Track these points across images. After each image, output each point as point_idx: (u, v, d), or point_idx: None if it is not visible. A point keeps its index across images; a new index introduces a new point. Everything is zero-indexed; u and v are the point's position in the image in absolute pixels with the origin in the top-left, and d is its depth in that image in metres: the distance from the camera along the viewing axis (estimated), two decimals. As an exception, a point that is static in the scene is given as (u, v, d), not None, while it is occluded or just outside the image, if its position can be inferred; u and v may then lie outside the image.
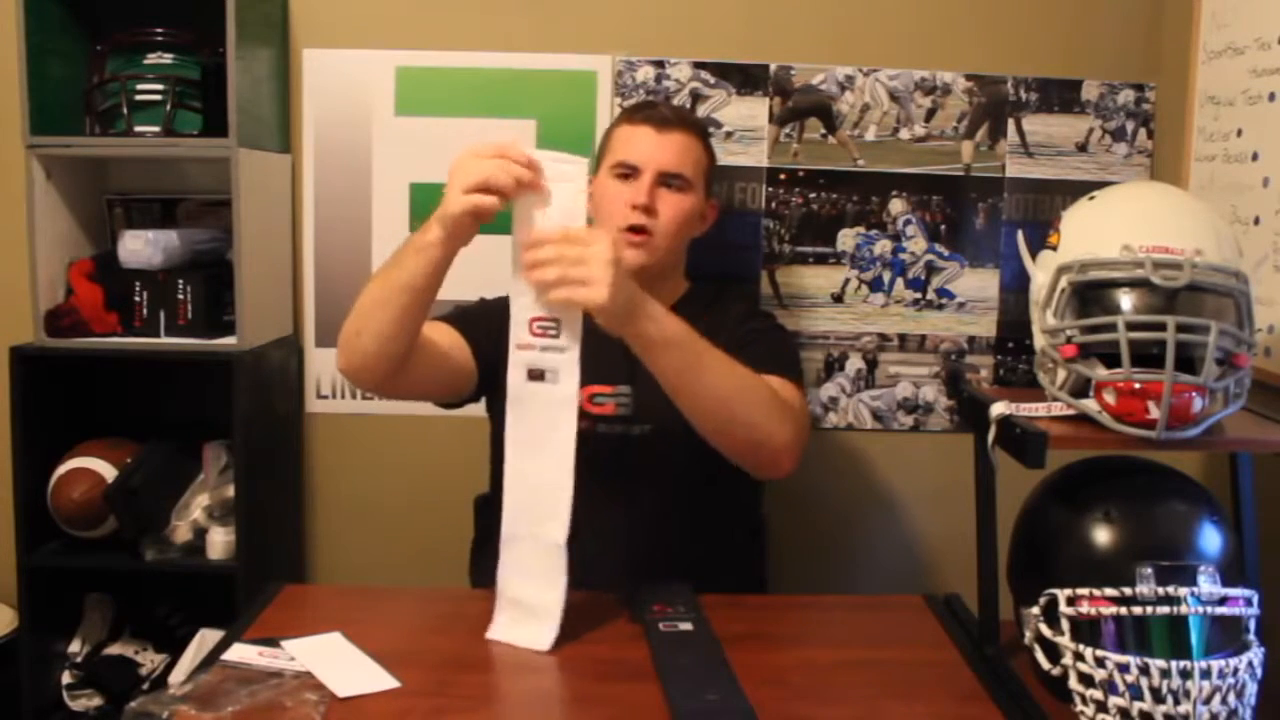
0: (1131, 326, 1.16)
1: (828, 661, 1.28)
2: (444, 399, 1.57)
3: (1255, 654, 1.10)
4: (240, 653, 1.21)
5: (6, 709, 1.91)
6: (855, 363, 2.09)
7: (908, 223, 2.06)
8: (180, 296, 1.88)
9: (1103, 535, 1.16)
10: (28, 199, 1.82)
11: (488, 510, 1.53)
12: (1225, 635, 1.10)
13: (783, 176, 2.05)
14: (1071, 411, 1.22)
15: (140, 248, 1.88)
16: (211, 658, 1.22)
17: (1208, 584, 1.10)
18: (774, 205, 2.05)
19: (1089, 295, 1.23)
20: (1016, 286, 2.04)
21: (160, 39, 1.86)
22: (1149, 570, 1.10)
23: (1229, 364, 1.18)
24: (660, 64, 2.02)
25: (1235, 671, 1.07)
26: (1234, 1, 1.76)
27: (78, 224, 1.95)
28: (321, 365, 2.08)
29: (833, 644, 1.35)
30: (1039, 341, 1.29)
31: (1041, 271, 1.30)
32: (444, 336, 1.50)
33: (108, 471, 1.87)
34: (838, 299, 2.07)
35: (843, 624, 1.43)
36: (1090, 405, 1.20)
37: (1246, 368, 1.20)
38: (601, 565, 1.48)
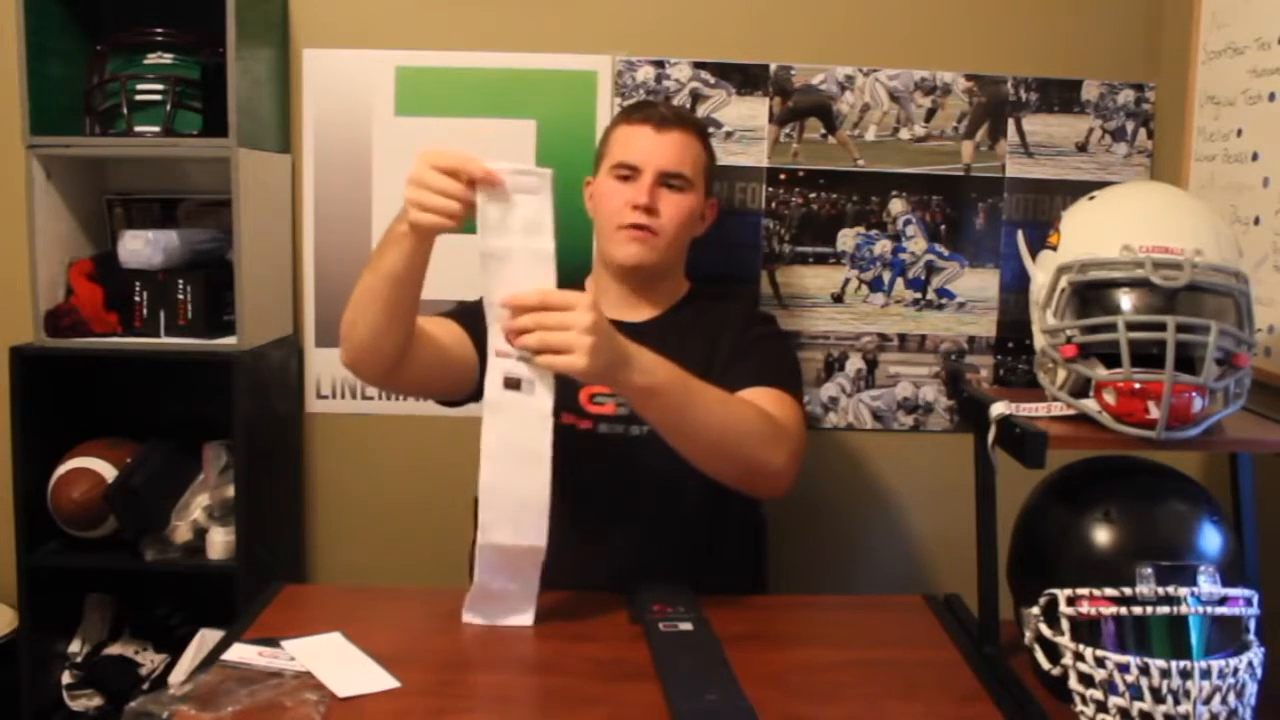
0: (1131, 326, 1.16)
1: (828, 661, 1.28)
2: (447, 395, 1.57)
3: (1255, 654, 1.10)
4: (240, 653, 1.22)
5: (6, 709, 1.91)
6: (855, 363, 2.09)
7: (908, 223, 2.06)
8: (180, 296, 1.88)
9: (1103, 535, 1.16)
10: (28, 199, 1.82)
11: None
12: (1225, 635, 1.10)
13: (783, 176, 2.05)
14: (1071, 411, 1.22)
15: (140, 248, 1.88)
16: (211, 658, 1.22)
17: (1208, 584, 1.10)
18: (774, 205, 2.05)
19: (1089, 295, 1.23)
20: (1016, 286, 2.04)
21: (160, 39, 1.86)
22: (1149, 570, 1.10)
23: (1229, 364, 1.18)
24: (660, 64, 2.02)
25: (1235, 671, 1.07)
26: (1234, 1, 1.76)
27: (78, 224, 1.95)
28: (321, 365, 2.08)
29: (833, 644, 1.35)
30: (1039, 341, 1.29)
31: (1041, 271, 1.30)
32: (446, 332, 1.50)
33: (108, 471, 1.86)
34: (838, 299, 2.07)
35: (843, 624, 1.43)
36: (1090, 405, 1.20)
37: (1246, 368, 1.20)
38: (601, 565, 1.49)
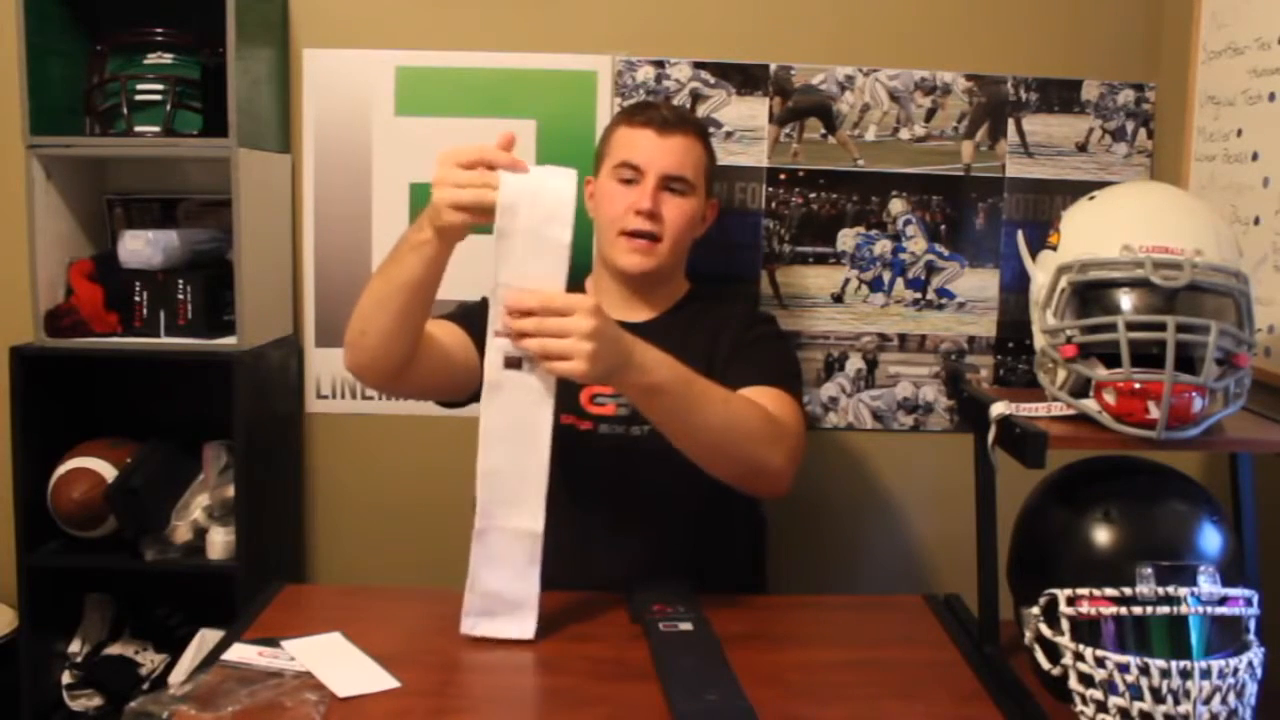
0: (1131, 326, 1.16)
1: (828, 661, 1.28)
2: (449, 398, 1.57)
3: (1255, 654, 1.10)
4: (240, 653, 1.22)
5: (6, 709, 1.91)
6: (855, 363, 2.09)
7: (908, 223, 2.06)
8: (180, 296, 1.88)
9: (1103, 535, 1.16)
10: (28, 199, 1.82)
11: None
12: (1225, 635, 1.10)
13: (783, 176, 2.05)
14: (1071, 411, 1.22)
15: (140, 248, 1.88)
16: (211, 658, 1.22)
17: (1208, 584, 1.10)
18: (774, 205, 2.05)
19: (1089, 295, 1.23)
20: (1016, 286, 2.04)
21: (160, 39, 1.86)
22: (1149, 570, 1.10)
23: (1229, 364, 1.18)
24: (660, 64, 2.02)
25: (1235, 671, 1.07)
26: (1234, 1, 1.76)
27: (78, 224, 1.95)
28: (321, 365, 2.08)
29: (833, 644, 1.36)
30: (1039, 341, 1.29)
31: (1041, 271, 1.30)
32: (448, 334, 1.50)
33: (108, 471, 1.86)
34: (838, 299, 2.07)
35: (843, 624, 1.44)
36: (1090, 405, 1.20)
37: (1246, 368, 1.20)
38: (601, 565, 1.49)
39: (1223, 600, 1.09)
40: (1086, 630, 1.11)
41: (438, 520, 2.00)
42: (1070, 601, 1.11)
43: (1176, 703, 1.04)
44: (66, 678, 1.95)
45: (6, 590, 1.96)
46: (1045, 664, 1.14)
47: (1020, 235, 1.40)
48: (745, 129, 2.03)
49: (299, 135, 2.04)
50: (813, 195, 2.05)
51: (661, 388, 1.28)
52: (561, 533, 1.31)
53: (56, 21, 1.86)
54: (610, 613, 1.37)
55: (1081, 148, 2.05)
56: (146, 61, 1.86)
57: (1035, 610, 1.15)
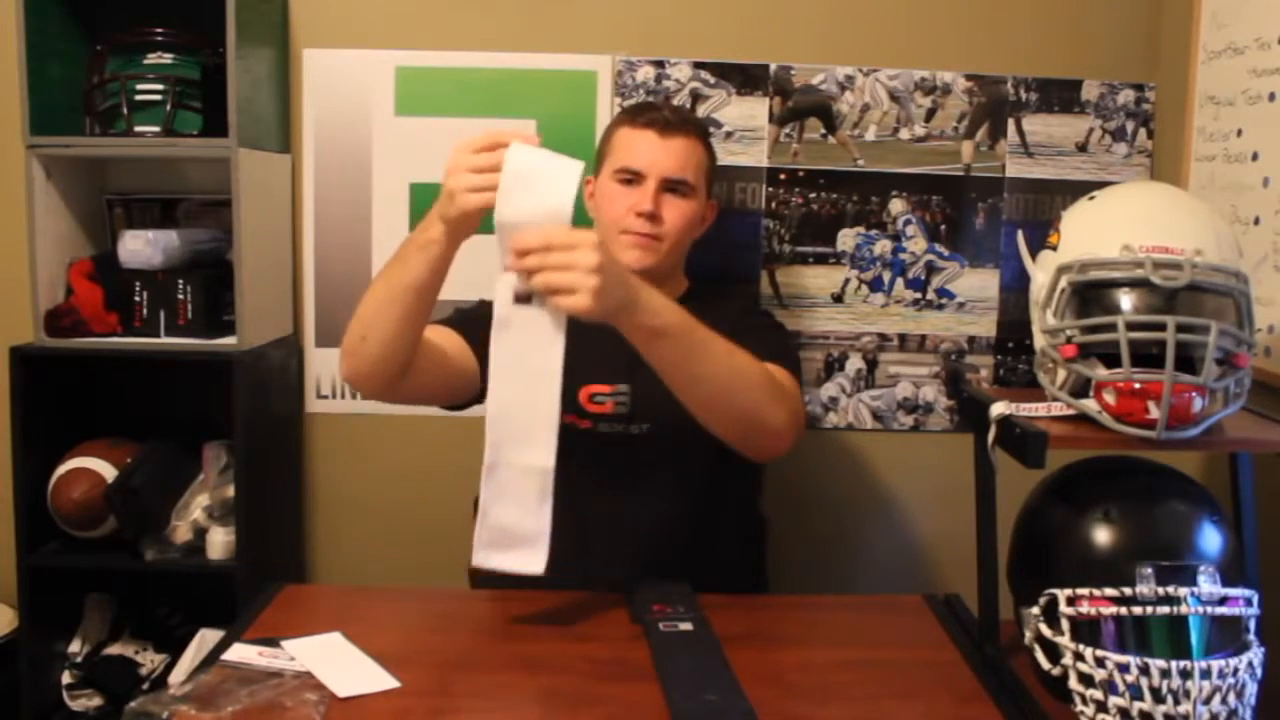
0: (1131, 326, 1.16)
1: (828, 661, 1.28)
2: (447, 403, 1.56)
3: (1255, 654, 1.10)
4: (240, 653, 1.21)
5: (6, 709, 1.91)
6: (855, 363, 2.09)
7: (908, 223, 2.06)
8: (180, 296, 1.88)
9: (1103, 535, 1.16)
10: (28, 199, 1.82)
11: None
12: (1225, 635, 1.10)
13: (783, 176, 2.05)
14: (1071, 411, 1.22)
15: (140, 248, 1.88)
16: (211, 658, 1.22)
17: (1208, 584, 1.10)
18: (774, 205, 2.05)
19: (1089, 295, 1.23)
20: (1016, 286, 2.04)
21: (160, 39, 1.86)
22: (1149, 570, 1.10)
23: (1229, 364, 1.18)
24: (660, 64, 2.02)
25: (1235, 671, 1.07)
26: (1234, 1, 1.76)
27: (78, 224, 1.95)
28: (321, 365, 2.08)
29: (833, 644, 1.35)
30: (1039, 341, 1.29)
31: (1041, 271, 1.30)
32: (445, 340, 1.50)
33: (108, 471, 1.87)
34: (838, 299, 2.07)
35: (843, 624, 1.43)
36: (1090, 405, 1.20)
37: (1246, 368, 1.20)
38: (601, 564, 1.49)
39: (1223, 600, 1.09)
40: (1086, 630, 1.11)
41: (438, 520, 2.00)
42: (1070, 601, 1.11)
43: (1176, 703, 1.04)
44: (66, 678, 1.95)
45: (6, 590, 1.96)
46: (1045, 664, 1.14)
47: (1020, 235, 1.40)
48: (745, 129, 2.03)
49: (299, 135, 2.04)
50: (813, 195, 2.05)
51: (666, 331, 1.26)
52: (562, 532, 1.31)
53: (56, 21, 1.86)
54: (610, 613, 1.36)
55: (1081, 148, 2.05)
56: (146, 61, 1.86)
57: (1035, 610, 1.15)
